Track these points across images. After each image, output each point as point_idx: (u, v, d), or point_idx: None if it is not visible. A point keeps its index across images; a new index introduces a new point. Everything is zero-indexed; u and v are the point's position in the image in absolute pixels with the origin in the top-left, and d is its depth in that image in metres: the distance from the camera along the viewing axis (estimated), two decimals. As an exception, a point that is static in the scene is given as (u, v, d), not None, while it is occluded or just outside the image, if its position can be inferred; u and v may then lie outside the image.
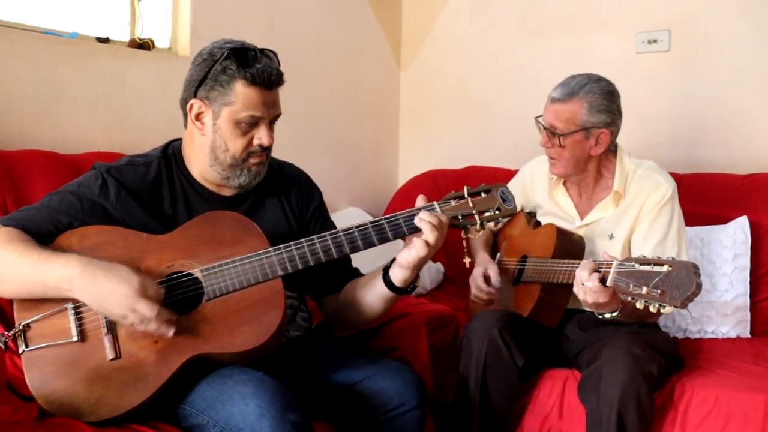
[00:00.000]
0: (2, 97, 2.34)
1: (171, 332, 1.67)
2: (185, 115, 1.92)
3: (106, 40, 2.68)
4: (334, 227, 2.08)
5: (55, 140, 2.45)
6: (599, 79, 2.37)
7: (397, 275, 1.89)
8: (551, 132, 2.37)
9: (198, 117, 1.88)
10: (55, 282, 1.66)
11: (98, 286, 1.64)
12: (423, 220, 1.80)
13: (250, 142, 1.87)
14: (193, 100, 1.87)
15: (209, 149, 1.88)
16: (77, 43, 2.57)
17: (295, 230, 2.03)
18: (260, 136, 1.87)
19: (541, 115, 2.43)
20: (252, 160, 1.90)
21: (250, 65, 1.82)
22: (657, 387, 2.19)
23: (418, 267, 1.87)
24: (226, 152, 1.87)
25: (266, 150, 1.90)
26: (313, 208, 2.11)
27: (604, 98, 2.34)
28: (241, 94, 1.82)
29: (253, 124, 1.86)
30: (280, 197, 2.05)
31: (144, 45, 2.77)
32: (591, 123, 2.34)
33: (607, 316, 2.06)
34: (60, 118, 2.49)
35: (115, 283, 1.63)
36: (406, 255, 1.84)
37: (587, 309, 2.09)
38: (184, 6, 2.91)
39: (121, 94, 2.66)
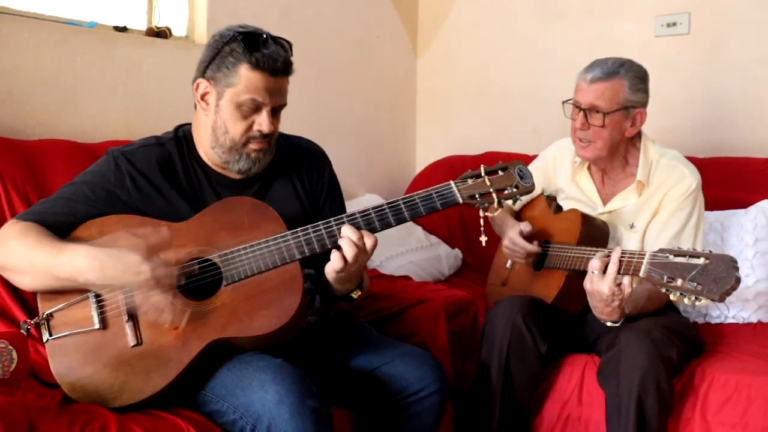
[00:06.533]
0: (22, 87, 2.36)
1: (184, 322, 1.70)
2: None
3: (123, 29, 2.69)
4: (342, 198, 2.13)
5: (75, 129, 2.46)
6: (632, 61, 2.36)
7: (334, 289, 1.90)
8: (590, 112, 2.33)
9: (203, 97, 1.90)
10: (67, 275, 1.70)
11: (110, 281, 1.69)
12: (344, 236, 1.77)
13: (250, 127, 1.86)
14: (200, 80, 1.89)
15: (211, 130, 1.89)
16: (95, 32, 2.58)
17: (307, 208, 2.03)
18: (260, 122, 1.86)
19: (569, 100, 2.40)
20: (251, 146, 1.89)
21: (257, 50, 1.82)
22: (677, 372, 2.18)
23: (341, 280, 1.84)
24: (225, 134, 1.87)
25: (267, 137, 1.89)
26: (326, 181, 2.10)
27: (642, 78, 2.35)
28: (245, 77, 1.82)
29: (254, 108, 1.85)
30: (291, 176, 2.04)
31: (161, 33, 2.78)
32: (632, 102, 2.34)
33: (608, 324, 2.10)
34: (79, 107, 2.51)
35: (126, 278, 1.67)
36: (327, 268, 1.83)
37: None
38: (200, -6, 2.92)
39: (138, 83, 2.67)
